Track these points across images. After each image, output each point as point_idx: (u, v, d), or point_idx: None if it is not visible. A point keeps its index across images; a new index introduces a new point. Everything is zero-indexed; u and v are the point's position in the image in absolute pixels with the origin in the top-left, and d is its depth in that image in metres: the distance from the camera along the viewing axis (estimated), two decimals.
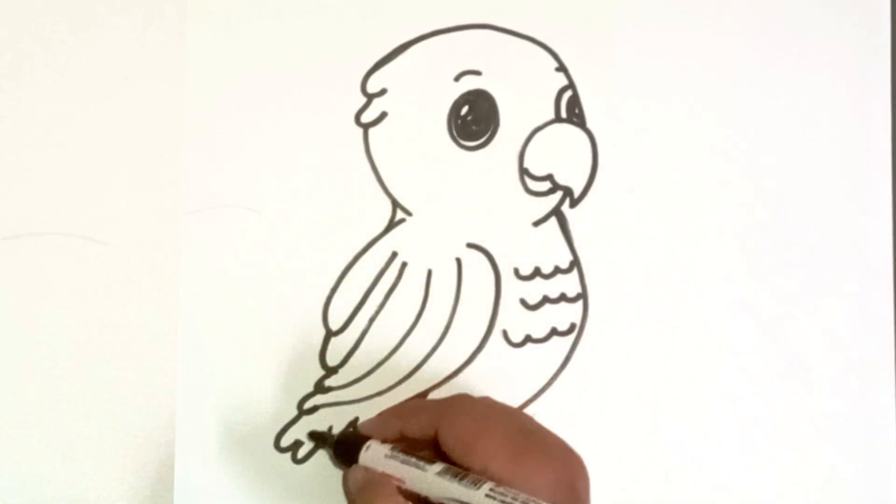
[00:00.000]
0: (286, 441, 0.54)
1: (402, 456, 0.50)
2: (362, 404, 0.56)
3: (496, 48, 0.57)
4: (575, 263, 0.58)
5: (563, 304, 0.58)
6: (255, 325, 0.54)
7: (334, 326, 0.55)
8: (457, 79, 0.57)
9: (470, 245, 0.57)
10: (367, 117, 0.56)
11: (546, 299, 0.58)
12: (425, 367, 0.56)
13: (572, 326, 0.59)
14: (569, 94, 0.58)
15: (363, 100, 0.56)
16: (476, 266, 0.57)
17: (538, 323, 0.58)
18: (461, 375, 0.57)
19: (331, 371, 0.55)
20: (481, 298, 0.57)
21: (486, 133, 0.57)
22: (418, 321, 0.56)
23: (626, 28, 0.59)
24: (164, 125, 0.53)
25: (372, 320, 0.56)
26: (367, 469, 0.51)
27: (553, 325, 0.58)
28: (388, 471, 0.50)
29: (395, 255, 0.56)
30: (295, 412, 0.55)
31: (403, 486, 0.49)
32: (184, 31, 0.53)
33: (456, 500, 0.47)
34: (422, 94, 0.56)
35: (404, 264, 0.56)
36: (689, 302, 0.59)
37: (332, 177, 0.55)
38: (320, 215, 0.55)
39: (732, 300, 0.60)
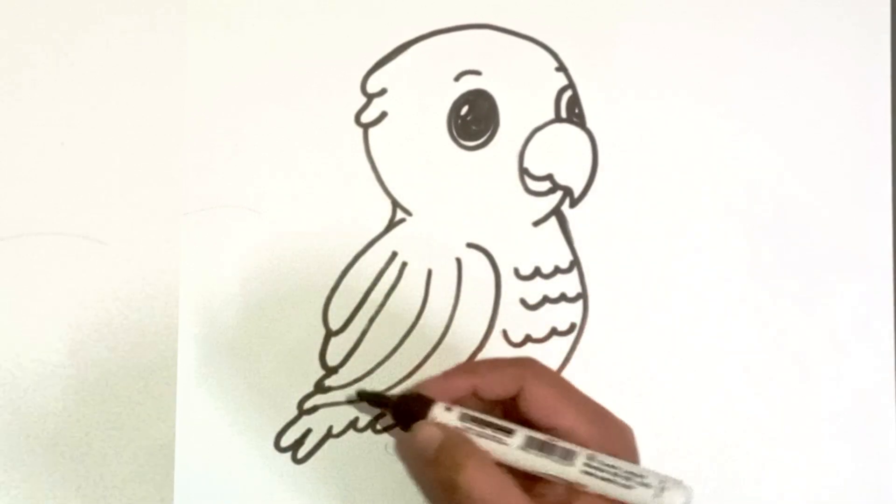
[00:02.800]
0: (286, 441, 0.54)
1: (480, 417, 0.44)
2: (362, 404, 0.56)
3: (496, 48, 0.57)
4: (575, 263, 0.58)
5: (563, 304, 0.58)
6: (255, 325, 0.54)
7: (334, 326, 0.55)
8: (457, 79, 0.57)
9: (470, 245, 0.57)
10: (367, 117, 0.56)
11: (546, 299, 0.58)
12: (425, 366, 0.56)
13: (572, 326, 0.59)
14: (569, 94, 0.58)
15: (363, 100, 0.56)
16: (476, 266, 0.57)
17: (538, 323, 0.58)
18: None
19: (331, 371, 0.55)
20: (481, 298, 0.57)
21: (486, 133, 0.57)
22: (418, 321, 0.56)
23: (626, 28, 0.59)
24: (164, 125, 0.53)
25: (372, 320, 0.56)
26: (442, 426, 0.44)
27: (553, 324, 0.58)
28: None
29: (395, 255, 0.56)
30: (295, 412, 0.55)
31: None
32: (184, 31, 0.53)
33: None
34: (422, 94, 0.56)
35: (404, 264, 0.56)
36: (689, 302, 0.59)
37: (332, 177, 0.55)
38: (320, 215, 0.55)
39: (732, 300, 0.60)
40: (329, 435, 0.55)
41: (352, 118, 0.56)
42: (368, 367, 0.56)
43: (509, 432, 0.44)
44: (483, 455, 0.43)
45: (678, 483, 0.43)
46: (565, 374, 0.59)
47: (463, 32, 0.57)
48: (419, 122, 0.56)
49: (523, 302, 0.57)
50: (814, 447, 0.59)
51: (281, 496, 0.54)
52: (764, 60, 0.60)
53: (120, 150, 0.53)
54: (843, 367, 0.60)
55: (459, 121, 0.57)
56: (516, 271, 0.57)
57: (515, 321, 0.58)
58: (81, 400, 0.52)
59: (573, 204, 0.58)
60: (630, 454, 0.46)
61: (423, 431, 0.44)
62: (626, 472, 0.43)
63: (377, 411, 0.55)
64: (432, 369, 0.56)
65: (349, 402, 0.49)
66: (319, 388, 0.55)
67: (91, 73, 0.52)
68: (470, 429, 0.44)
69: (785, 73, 0.61)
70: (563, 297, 0.58)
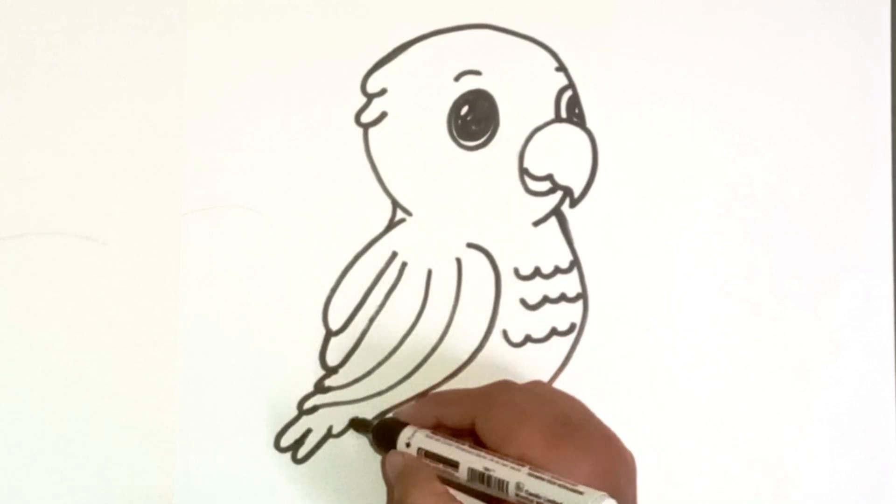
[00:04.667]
0: (286, 441, 0.54)
1: (432, 452, 0.50)
2: (362, 404, 0.56)
3: (496, 48, 0.57)
4: (575, 263, 0.58)
5: (563, 304, 0.58)
6: (255, 325, 0.54)
7: (334, 326, 0.55)
8: (457, 79, 0.57)
9: (470, 245, 0.57)
10: (367, 117, 0.56)
11: (546, 299, 0.58)
12: (425, 367, 0.56)
13: (572, 326, 0.59)
14: (569, 94, 0.58)
15: (363, 100, 0.56)
16: (476, 266, 0.57)
17: (538, 323, 0.58)
18: (461, 375, 0.57)
19: (331, 371, 0.55)
20: (481, 298, 0.57)
21: (486, 133, 0.57)
22: (418, 321, 0.56)
23: (625, 28, 0.59)
24: (164, 125, 0.53)
25: (372, 320, 0.56)
26: (403, 455, 0.51)
27: (553, 324, 0.58)
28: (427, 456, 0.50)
29: (395, 255, 0.56)
30: (295, 412, 0.55)
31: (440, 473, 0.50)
32: (184, 31, 0.53)
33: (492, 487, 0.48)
34: (422, 94, 0.56)
35: (404, 264, 0.56)
36: (689, 302, 0.59)
37: (332, 177, 0.55)
38: (320, 215, 0.55)
39: (732, 300, 0.60)
40: (329, 435, 0.55)
41: (352, 118, 0.56)
42: (368, 367, 0.56)
43: (455, 466, 0.49)
44: (428, 479, 0.49)
45: (599, 499, 0.45)
46: (565, 374, 0.59)
47: (463, 32, 0.57)
48: (419, 122, 0.56)
49: (523, 302, 0.57)
50: (813, 447, 0.59)
51: (281, 496, 0.54)
52: (764, 60, 0.60)
53: (120, 150, 0.53)
54: (843, 367, 0.60)
55: (459, 121, 0.57)
56: (516, 271, 0.57)
57: (515, 321, 0.58)
58: (81, 400, 0.52)
59: (573, 204, 0.58)
60: (603, 470, 0.48)
61: (388, 459, 0.52)
62: (549, 500, 0.46)
63: (377, 411, 0.55)
64: (432, 369, 0.56)
65: (348, 428, 0.55)
66: (319, 388, 0.55)
67: (91, 73, 0.52)
68: (435, 443, 0.50)
69: (785, 72, 0.61)
70: (563, 297, 0.58)
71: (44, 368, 0.51)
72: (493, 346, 0.57)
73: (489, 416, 0.50)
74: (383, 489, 0.55)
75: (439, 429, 0.52)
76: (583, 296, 0.58)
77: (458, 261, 0.57)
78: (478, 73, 0.57)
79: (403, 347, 0.56)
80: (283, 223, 0.55)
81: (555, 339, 0.59)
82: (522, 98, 0.58)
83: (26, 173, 0.51)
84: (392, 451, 0.52)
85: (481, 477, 0.48)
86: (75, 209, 0.52)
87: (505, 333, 0.58)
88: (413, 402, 0.55)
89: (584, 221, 0.58)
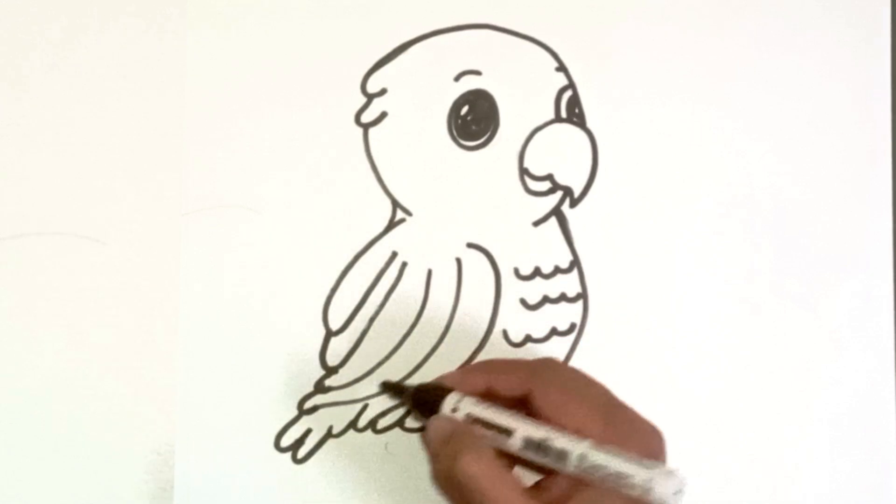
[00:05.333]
0: (286, 441, 0.54)
1: (483, 418, 0.47)
2: (362, 404, 0.56)
3: (496, 48, 0.57)
4: (575, 263, 0.58)
5: (563, 304, 0.58)
6: (255, 325, 0.54)
7: (334, 326, 0.55)
8: (457, 79, 0.57)
9: (470, 245, 0.57)
10: (367, 117, 0.56)
11: (546, 299, 0.58)
12: (425, 367, 0.56)
13: (572, 326, 0.59)
14: (569, 94, 0.58)
15: (363, 100, 0.56)
16: (476, 266, 0.57)
17: (538, 323, 0.58)
18: None
19: (331, 371, 0.55)
20: (481, 298, 0.57)
21: (486, 133, 0.57)
22: (418, 321, 0.56)
23: (625, 28, 0.59)
24: (164, 125, 0.53)
25: (372, 320, 0.56)
26: (450, 419, 0.48)
27: (553, 324, 0.58)
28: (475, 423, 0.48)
29: (395, 255, 0.56)
30: (295, 412, 0.55)
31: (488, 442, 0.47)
32: (184, 31, 0.53)
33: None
34: (422, 94, 0.56)
35: (404, 264, 0.56)
36: (689, 302, 0.59)
37: (332, 177, 0.55)
38: (320, 215, 0.55)
39: (732, 300, 0.60)
40: (329, 435, 0.55)
41: (352, 118, 0.56)
42: (368, 367, 0.56)
43: (509, 434, 0.46)
44: (480, 445, 0.46)
45: (669, 475, 0.44)
46: None
47: (463, 32, 0.57)
48: (419, 122, 0.56)
49: (523, 302, 0.57)
50: (813, 447, 0.59)
51: (281, 496, 0.54)
52: (764, 60, 0.60)
53: (120, 150, 0.53)
54: (843, 367, 0.60)
55: (459, 121, 0.57)
56: (516, 271, 0.57)
57: (515, 321, 0.58)
58: (81, 400, 0.52)
59: (573, 204, 0.58)
60: (650, 455, 0.47)
61: (433, 424, 0.48)
62: (615, 472, 0.44)
63: (377, 411, 0.55)
64: (432, 369, 0.56)
65: (378, 393, 0.54)
66: (319, 388, 0.55)
67: (91, 73, 0.52)
68: (484, 410, 0.47)
69: (785, 72, 0.61)
70: (563, 297, 0.58)
71: (44, 368, 0.51)
72: (493, 346, 0.57)
73: (549, 387, 0.48)
74: (384, 489, 0.55)
75: (486, 397, 0.50)
76: (583, 296, 0.58)
77: (458, 261, 0.57)
78: (478, 73, 0.57)
79: (403, 347, 0.56)
80: (283, 223, 0.55)
81: (555, 339, 0.59)
82: (522, 98, 0.58)
83: (26, 173, 0.51)
84: (437, 416, 0.49)
85: (538, 446, 0.46)
86: (75, 209, 0.52)
87: (505, 333, 0.58)
88: (459, 369, 0.53)
89: (584, 221, 0.58)
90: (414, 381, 0.56)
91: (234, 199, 0.54)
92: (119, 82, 0.53)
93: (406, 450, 0.56)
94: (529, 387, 0.48)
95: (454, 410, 0.48)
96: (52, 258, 0.52)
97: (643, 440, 0.48)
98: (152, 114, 0.53)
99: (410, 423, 0.56)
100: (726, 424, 0.60)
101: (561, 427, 0.47)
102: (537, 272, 0.58)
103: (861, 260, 0.60)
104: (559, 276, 0.58)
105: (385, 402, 0.56)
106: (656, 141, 0.59)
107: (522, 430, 0.46)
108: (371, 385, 0.56)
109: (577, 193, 0.58)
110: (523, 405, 0.49)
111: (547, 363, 0.50)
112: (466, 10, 0.57)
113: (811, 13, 0.61)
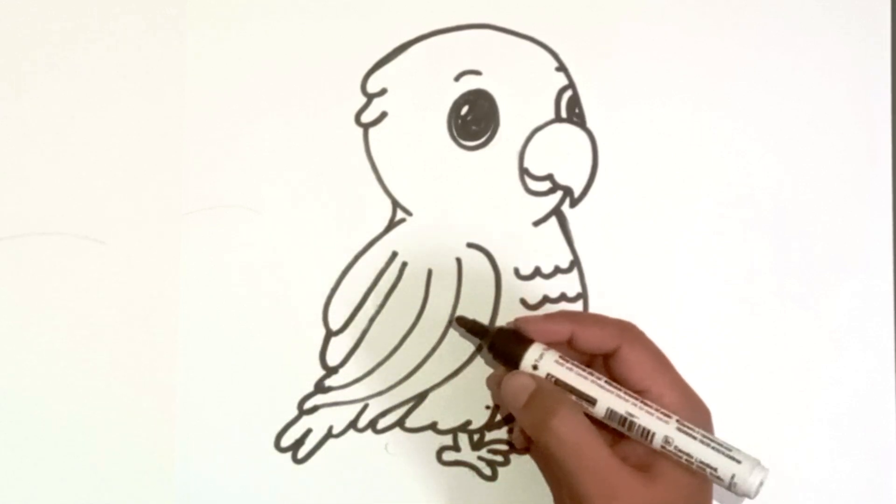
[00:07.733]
0: (286, 441, 0.54)
1: (566, 383, 0.47)
2: (362, 404, 0.56)
3: (496, 48, 0.57)
4: (575, 263, 0.58)
5: (563, 304, 0.58)
6: (255, 325, 0.54)
7: (334, 326, 0.55)
8: (457, 79, 0.57)
9: (470, 245, 0.57)
10: (367, 117, 0.56)
11: (546, 299, 0.58)
12: (425, 367, 0.56)
13: None
14: (569, 93, 0.58)
15: (363, 100, 0.56)
16: (476, 266, 0.57)
17: None
18: (461, 375, 0.56)
19: (331, 371, 0.55)
20: (481, 298, 0.57)
21: (486, 133, 0.57)
22: (418, 321, 0.56)
23: (626, 28, 0.59)
24: (164, 125, 0.53)
25: (372, 320, 0.56)
26: (534, 377, 0.48)
27: None
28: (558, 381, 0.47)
29: (395, 255, 0.56)
30: (295, 412, 0.55)
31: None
32: (184, 31, 0.53)
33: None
34: (422, 94, 0.56)
35: (404, 264, 0.56)
36: (688, 301, 0.59)
37: (332, 177, 0.55)
38: (320, 215, 0.55)
39: (732, 300, 0.60)
40: (329, 435, 0.55)
41: (352, 118, 0.56)
42: (368, 367, 0.56)
43: (592, 402, 0.47)
44: (574, 404, 0.47)
45: (753, 468, 0.46)
46: None
47: (463, 32, 0.57)
48: (419, 122, 0.56)
49: (523, 302, 0.57)
50: (813, 447, 0.59)
51: (281, 496, 0.54)
52: (764, 60, 0.60)
53: (120, 150, 0.53)
54: (843, 367, 0.60)
55: (459, 121, 0.57)
56: (516, 271, 0.57)
57: None
58: (81, 400, 0.52)
59: (573, 204, 0.58)
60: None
61: (515, 379, 0.48)
62: (700, 463, 0.46)
63: (377, 411, 0.55)
64: (432, 369, 0.56)
65: (449, 326, 0.54)
66: (319, 388, 0.55)
67: (91, 73, 0.52)
68: (571, 369, 0.48)
69: (785, 72, 0.60)
70: (563, 297, 0.58)
71: (44, 368, 0.51)
72: None
73: (638, 349, 0.48)
74: (384, 489, 0.55)
75: (565, 346, 0.50)
76: (583, 296, 0.58)
77: (458, 261, 0.57)
78: (478, 73, 0.57)
79: (403, 347, 0.56)
80: (283, 223, 0.55)
81: None
82: (522, 98, 0.58)
83: (26, 173, 0.51)
84: (518, 372, 0.49)
85: (622, 421, 0.46)
86: (75, 209, 0.52)
87: None
88: (542, 315, 0.51)
89: (584, 221, 0.58)
90: (418, 382, 0.56)
91: (234, 199, 0.54)
92: (119, 82, 0.53)
93: (406, 450, 0.56)
94: (619, 343, 0.48)
95: (535, 367, 0.48)
96: (53, 258, 0.52)
97: (706, 421, 0.49)
98: (152, 114, 0.53)
99: (410, 423, 0.56)
100: (726, 424, 0.60)
101: (645, 389, 0.47)
102: (537, 272, 0.58)
103: (861, 260, 0.60)
104: (559, 276, 0.58)
105: (386, 402, 0.56)
106: (656, 141, 0.59)
107: (606, 400, 0.47)
108: (371, 385, 0.56)
109: (577, 193, 0.58)
110: (596, 360, 0.49)
111: (631, 325, 0.50)
112: (466, 10, 0.57)
113: (811, 13, 0.61)
